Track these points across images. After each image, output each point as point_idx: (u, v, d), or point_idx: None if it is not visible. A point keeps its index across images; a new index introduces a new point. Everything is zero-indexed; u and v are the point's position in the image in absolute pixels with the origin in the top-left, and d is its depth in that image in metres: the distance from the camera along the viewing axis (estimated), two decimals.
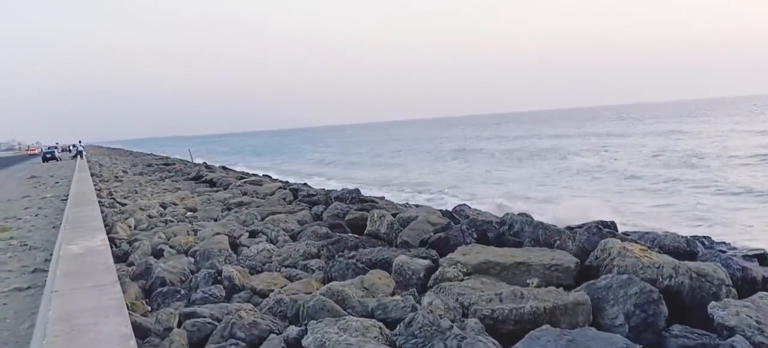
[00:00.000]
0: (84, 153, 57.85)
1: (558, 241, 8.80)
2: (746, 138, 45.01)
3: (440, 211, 12.62)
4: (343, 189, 19.23)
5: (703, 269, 6.52)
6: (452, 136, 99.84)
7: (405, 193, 27.57)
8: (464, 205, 14.23)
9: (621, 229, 10.50)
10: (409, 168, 44.50)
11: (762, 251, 10.49)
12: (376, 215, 10.76)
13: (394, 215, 11.34)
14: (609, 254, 7.12)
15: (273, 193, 20.09)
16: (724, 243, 11.36)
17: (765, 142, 39.72)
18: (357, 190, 17.56)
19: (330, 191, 19.06)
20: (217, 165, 46.04)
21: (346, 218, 12.43)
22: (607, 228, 9.16)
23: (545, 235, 8.92)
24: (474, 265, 7.39)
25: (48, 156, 68.12)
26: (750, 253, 9.90)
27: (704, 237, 11.79)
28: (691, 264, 6.67)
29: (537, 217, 9.94)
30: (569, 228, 10.36)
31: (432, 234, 9.64)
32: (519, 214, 9.62)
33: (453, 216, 12.07)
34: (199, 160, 54.54)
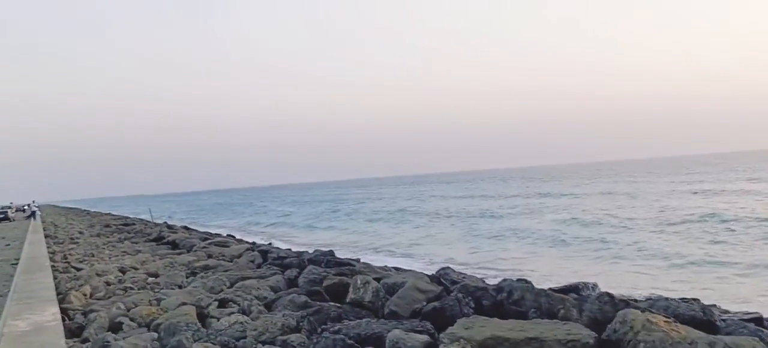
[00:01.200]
0: (38, 213, 55.62)
1: (562, 311, 8.07)
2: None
3: (427, 276, 11.78)
4: (315, 251, 18.30)
5: (741, 345, 5.82)
6: (404, 193, 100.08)
7: (376, 255, 26.63)
8: (448, 268, 13.43)
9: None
10: (379, 229, 43.57)
11: (757, 315, 9.91)
12: (359, 281, 9.90)
13: (378, 280, 10.49)
14: (631, 327, 6.39)
15: (240, 256, 19.04)
16: (715, 306, 10.78)
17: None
18: (331, 252, 16.69)
19: (302, 253, 18.11)
20: (178, 225, 44.53)
21: (325, 284, 11.51)
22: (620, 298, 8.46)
23: (548, 304, 8.19)
24: (480, 341, 6.57)
25: (0, 216, 65.34)
26: (746, 318, 9.32)
27: (693, 299, 11.22)
28: (727, 339, 5.97)
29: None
30: (563, 292, 9.66)
31: (424, 303, 8.80)
32: (518, 281, 8.90)
33: (441, 281, 11.25)
34: (159, 220, 52.83)
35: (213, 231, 37.37)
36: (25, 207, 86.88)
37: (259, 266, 16.64)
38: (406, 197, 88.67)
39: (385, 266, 15.04)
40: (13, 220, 64.88)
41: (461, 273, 13.62)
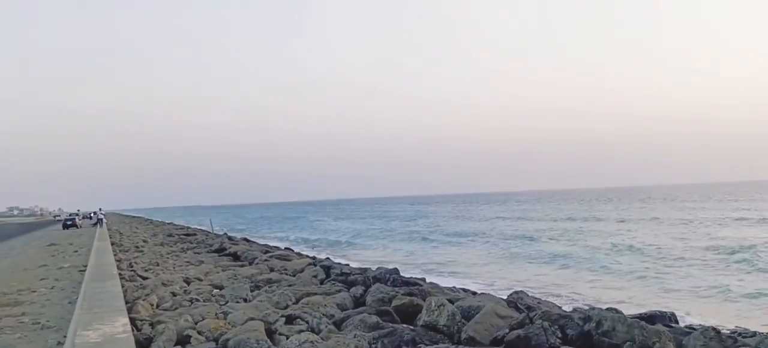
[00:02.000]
0: (104, 221, 57.17)
1: (658, 344, 7.42)
2: None
3: (504, 300, 11.21)
4: (378, 268, 17.91)
5: None
6: (455, 211, 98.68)
7: (436, 274, 26.05)
8: (522, 292, 12.81)
9: None
10: (430, 248, 42.90)
11: None
12: (433, 304, 9.42)
13: (452, 303, 10.00)
14: None
15: (302, 270, 18.84)
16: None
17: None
18: (396, 270, 16.25)
19: (365, 270, 17.77)
20: (238, 236, 44.93)
21: (394, 304, 11.09)
22: (714, 330, 7.75)
23: (643, 337, 7.55)
24: None
25: (68, 223, 67.39)
26: None
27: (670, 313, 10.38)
28: None
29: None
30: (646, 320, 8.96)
31: (506, 330, 8.27)
32: (607, 310, 8.28)
33: (518, 306, 10.67)
34: (219, 231, 53.53)
35: (269, 243, 37.61)
36: (92, 214, 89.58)
37: (322, 282, 16.37)
38: (457, 216, 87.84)
39: (453, 287, 14.52)
40: (81, 227, 66.93)
41: (535, 297, 12.98)
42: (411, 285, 13.74)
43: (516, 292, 12.97)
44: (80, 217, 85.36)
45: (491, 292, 15.35)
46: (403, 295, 11.59)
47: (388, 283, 13.97)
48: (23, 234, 56.68)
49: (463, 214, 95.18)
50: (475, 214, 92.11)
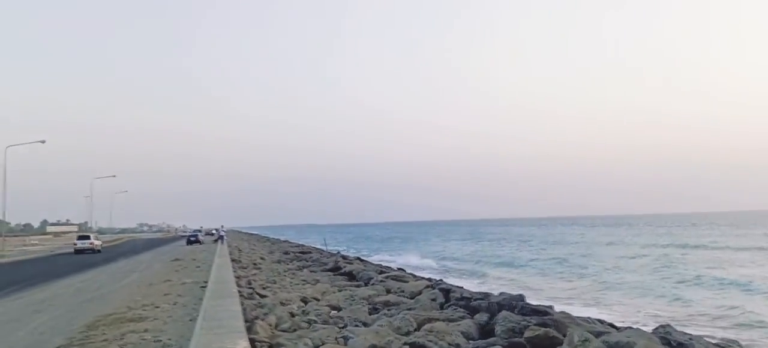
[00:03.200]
0: (225, 238, 59.21)
1: None
2: None
3: (652, 334, 9.94)
4: (501, 294, 16.87)
5: None
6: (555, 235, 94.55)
7: (569, 304, 24.51)
8: (669, 326, 11.41)
9: None
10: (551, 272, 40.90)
11: None
12: (576, 338, 8.40)
13: (597, 336, 8.91)
14: None
15: (420, 292, 18.11)
16: None
17: None
18: (521, 296, 15.16)
19: (487, 295, 16.75)
20: (352, 255, 44.94)
21: (526, 336, 10.10)
22: None
23: None
24: None
25: (192, 239, 70.48)
26: None
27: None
28: None
29: None
30: None
31: None
32: None
33: (670, 343, 9.38)
34: (333, 250, 53.97)
35: (378, 262, 37.23)
36: (214, 231, 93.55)
37: (442, 307, 15.56)
38: (555, 240, 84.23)
39: (588, 318, 13.27)
40: (203, 243, 69.85)
41: (684, 333, 11.53)
42: (541, 314, 12.63)
43: (663, 327, 11.59)
44: (203, 234, 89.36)
45: (632, 325, 13.98)
46: (536, 325, 10.56)
47: (516, 311, 12.94)
48: (151, 249, 59.76)
49: (558, 237, 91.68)
50: (570, 238, 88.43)
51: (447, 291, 17.43)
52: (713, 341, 12.56)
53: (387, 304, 15.55)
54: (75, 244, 54.67)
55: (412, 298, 16.69)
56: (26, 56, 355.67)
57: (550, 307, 15.18)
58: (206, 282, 19.36)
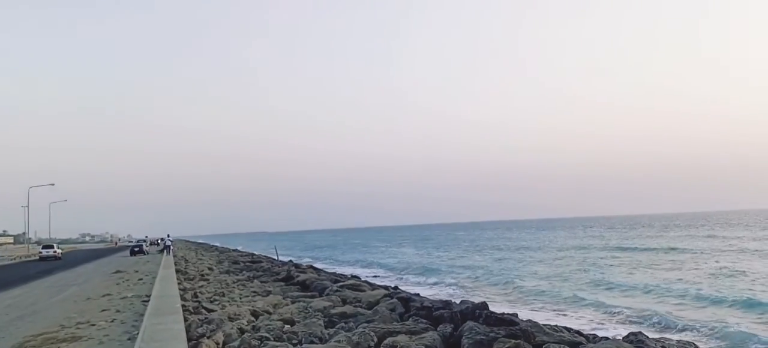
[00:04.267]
0: (171, 248, 57.14)
1: None
2: None
3: (625, 342, 9.33)
4: (463, 301, 16.21)
5: None
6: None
7: (522, 306, 24.03)
8: (640, 334, 10.87)
9: None
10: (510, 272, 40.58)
11: None
12: None
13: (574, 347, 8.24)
14: None
15: (378, 302, 17.30)
16: None
17: None
18: (484, 304, 14.50)
19: (448, 303, 16.06)
20: (304, 264, 43.81)
21: None
22: None
23: None
24: None
25: (136, 249, 68.01)
26: None
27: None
28: None
29: None
30: None
31: None
32: None
33: None
34: (284, 258, 52.68)
35: (333, 271, 36.30)
36: (160, 241, 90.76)
37: (402, 317, 14.78)
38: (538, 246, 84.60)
39: (556, 326, 12.64)
40: (148, 253, 67.45)
41: (656, 340, 11.01)
42: (508, 324, 11.96)
43: (633, 334, 11.07)
44: (148, 244, 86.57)
45: (597, 331, 13.44)
46: (505, 337, 9.86)
47: (480, 321, 12.25)
48: (92, 260, 57.26)
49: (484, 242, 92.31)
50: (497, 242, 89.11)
51: (406, 300, 16.68)
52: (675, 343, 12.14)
53: (344, 317, 14.68)
54: (40, 253, 66.18)
55: (370, 309, 15.85)
56: None
57: (515, 315, 14.57)
58: (149, 296, 18.11)
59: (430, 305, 15.41)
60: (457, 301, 16.72)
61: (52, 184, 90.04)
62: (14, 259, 71.58)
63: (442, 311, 13.81)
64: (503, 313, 13.75)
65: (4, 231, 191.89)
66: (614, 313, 21.46)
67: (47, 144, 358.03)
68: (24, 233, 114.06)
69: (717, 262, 39.73)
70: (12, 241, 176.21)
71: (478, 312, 13.09)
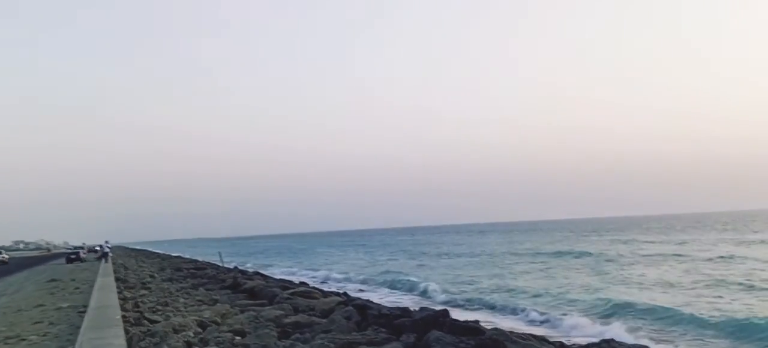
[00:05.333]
0: (110, 255, 54.82)
1: None
2: None
3: None
4: (423, 309, 15.62)
5: None
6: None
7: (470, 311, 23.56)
8: (612, 340, 10.45)
9: None
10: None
11: None
12: None
13: None
14: None
15: (332, 310, 16.54)
16: None
17: None
18: (445, 311, 13.94)
19: (406, 310, 15.44)
20: (250, 270, 42.53)
21: None
22: None
23: None
24: None
25: (72, 257, 65.12)
26: None
27: None
28: None
29: None
30: None
31: None
32: None
33: None
34: (229, 264, 51.18)
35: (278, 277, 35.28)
36: (98, 248, 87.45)
37: (359, 325, 14.07)
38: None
39: (527, 335, 12.15)
40: (85, 260, 64.73)
41: (629, 344, 10.61)
42: (474, 332, 11.40)
43: (606, 341, 10.65)
44: (85, 251, 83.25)
45: (563, 339, 13.01)
46: (476, 347, 9.27)
47: (445, 329, 11.65)
48: (26, 268, 54.48)
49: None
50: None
51: (362, 308, 15.97)
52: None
53: (298, 326, 13.87)
54: None
55: (325, 318, 15.08)
56: None
57: (476, 322, 14.04)
58: (85, 306, 16.86)
59: (389, 313, 14.75)
60: (417, 308, 16.12)
61: None
62: None
63: (403, 320, 13.17)
64: (466, 321, 13.21)
65: None
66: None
67: None
68: None
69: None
70: None
71: (441, 320, 12.49)
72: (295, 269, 56.10)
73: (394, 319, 13.57)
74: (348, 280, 41.26)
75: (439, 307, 16.37)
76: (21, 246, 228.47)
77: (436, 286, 30.90)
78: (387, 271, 44.86)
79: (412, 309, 16.44)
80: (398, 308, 16.26)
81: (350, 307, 16.26)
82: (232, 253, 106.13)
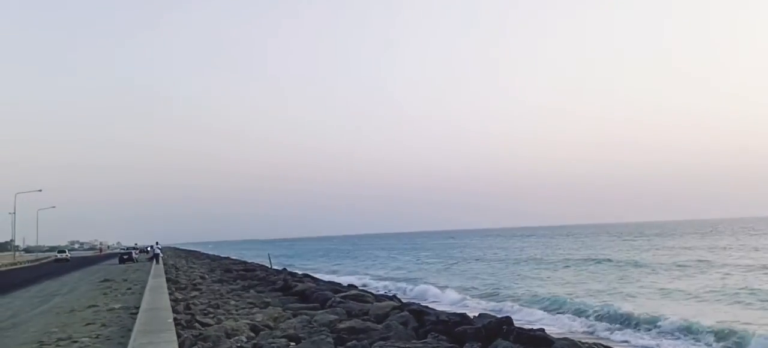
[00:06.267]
0: (161, 256, 55.34)
1: None
2: None
3: None
4: (481, 315, 14.87)
5: None
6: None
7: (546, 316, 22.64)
8: None
9: None
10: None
11: None
12: None
13: None
14: None
15: (387, 315, 15.92)
16: None
17: None
18: (507, 319, 13.17)
19: (466, 317, 14.69)
20: (300, 273, 42.30)
21: None
22: None
23: None
24: None
25: (125, 257, 66.47)
26: None
27: None
28: None
29: None
30: None
31: None
32: None
33: None
34: (278, 266, 51.15)
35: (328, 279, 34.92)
36: (149, 248, 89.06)
37: (417, 332, 13.42)
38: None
39: (595, 345, 11.32)
40: (137, 261, 65.84)
41: None
42: (543, 342, 10.63)
43: None
44: (137, 251, 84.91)
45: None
46: None
47: (511, 339, 10.91)
48: (79, 268, 55.61)
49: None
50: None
51: (419, 313, 15.30)
52: None
53: (353, 332, 13.28)
54: (56, 256, 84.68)
55: (380, 323, 14.48)
56: None
57: (542, 330, 13.23)
58: (137, 308, 16.66)
59: (447, 319, 14.02)
60: (475, 315, 15.36)
61: (40, 190, 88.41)
62: (5, 266, 70.51)
63: (464, 327, 12.46)
64: (531, 329, 12.42)
65: None
66: None
67: (34, 149, 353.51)
68: (11, 240, 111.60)
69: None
70: None
71: (506, 328, 11.75)
72: (350, 270, 56.34)
73: (454, 326, 12.87)
74: (390, 280, 41.57)
75: (501, 315, 15.56)
76: (76, 246, 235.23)
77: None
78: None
79: (470, 315, 15.67)
80: (456, 314, 15.50)
81: (406, 312, 15.63)
82: (278, 254, 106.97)
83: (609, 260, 50.89)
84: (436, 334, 12.55)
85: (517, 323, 13.07)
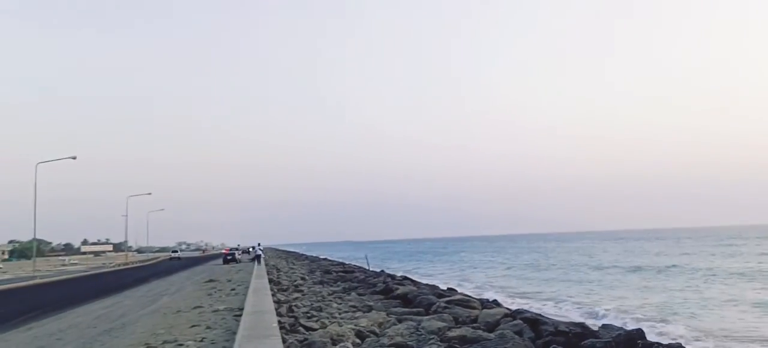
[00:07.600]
0: (262, 256, 56.34)
1: None
2: None
3: None
4: (604, 326, 13.56)
5: None
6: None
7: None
8: None
9: None
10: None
11: None
12: None
13: None
14: None
15: (498, 323, 14.87)
16: None
17: None
18: (640, 331, 11.85)
19: (585, 326, 13.45)
20: (398, 274, 41.68)
21: None
22: None
23: None
24: None
25: (228, 258, 68.38)
26: None
27: None
28: None
29: None
30: None
31: None
32: None
33: None
34: (376, 268, 50.78)
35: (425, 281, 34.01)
36: (251, 249, 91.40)
37: (534, 343, 12.32)
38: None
39: None
40: (240, 261, 67.50)
41: None
42: None
43: None
44: (240, 252, 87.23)
45: None
46: None
47: None
48: (186, 269, 57.54)
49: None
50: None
51: (535, 322, 14.14)
52: None
53: (465, 341, 12.35)
54: (170, 256, 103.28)
55: (491, 332, 13.45)
56: (56, 75, 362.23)
57: (679, 345, 11.81)
58: (241, 309, 16.42)
59: (567, 330, 12.82)
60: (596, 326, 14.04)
61: (149, 194, 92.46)
62: (119, 265, 79.57)
63: (591, 340, 11.25)
64: (669, 344, 11.07)
65: (107, 239, 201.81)
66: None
67: (145, 154, 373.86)
68: (124, 241, 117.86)
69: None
70: (111, 248, 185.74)
71: (641, 342, 10.47)
72: (449, 273, 55.29)
73: (578, 339, 11.68)
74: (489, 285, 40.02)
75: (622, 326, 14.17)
76: (183, 247, 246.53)
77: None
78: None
79: (589, 325, 14.39)
80: (575, 323, 14.26)
81: (519, 321, 14.51)
82: (373, 256, 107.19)
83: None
84: (557, 346, 11.43)
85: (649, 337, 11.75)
